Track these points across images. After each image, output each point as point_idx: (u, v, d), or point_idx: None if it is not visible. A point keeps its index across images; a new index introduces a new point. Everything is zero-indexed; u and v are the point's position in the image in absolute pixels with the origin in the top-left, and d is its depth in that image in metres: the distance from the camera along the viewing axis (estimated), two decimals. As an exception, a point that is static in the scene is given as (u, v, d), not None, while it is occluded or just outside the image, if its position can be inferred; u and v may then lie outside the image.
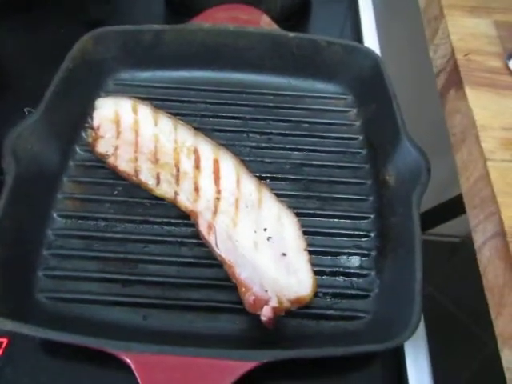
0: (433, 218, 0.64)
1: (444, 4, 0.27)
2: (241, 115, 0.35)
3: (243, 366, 0.21)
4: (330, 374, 0.25)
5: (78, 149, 0.33)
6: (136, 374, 0.20)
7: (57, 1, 0.43)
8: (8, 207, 0.26)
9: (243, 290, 0.25)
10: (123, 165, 0.30)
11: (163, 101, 0.35)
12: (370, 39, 0.41)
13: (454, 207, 0.60)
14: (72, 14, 0.43)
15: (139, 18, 0.43)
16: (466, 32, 0.27)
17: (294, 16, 0.43)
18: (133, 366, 0.21)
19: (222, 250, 0.27)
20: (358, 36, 0.42)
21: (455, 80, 0.25)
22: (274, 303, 0.24)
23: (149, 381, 0.20)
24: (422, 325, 0.26)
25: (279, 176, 0.32)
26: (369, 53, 0.35)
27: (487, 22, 0.27)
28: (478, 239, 0.21)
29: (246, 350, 0.22)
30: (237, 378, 0.21)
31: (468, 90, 0.24)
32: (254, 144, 0.34)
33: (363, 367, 0.25)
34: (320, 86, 0.37)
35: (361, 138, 0.34)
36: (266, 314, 0.24)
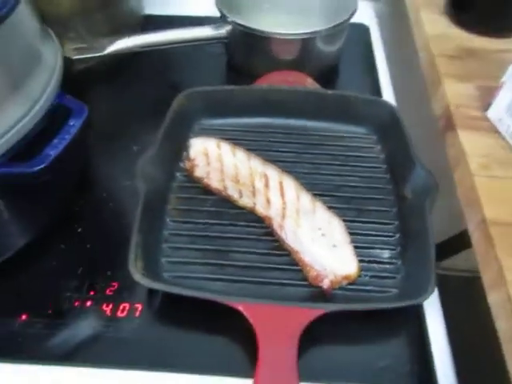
0: (444, 250, 0.72)
1: (441, 73, 0.39)
2: (294, 150, 0.46)
3: (317, 312, 0.31)
4: (370, 326, 0.34)
5: (177, 174, 0.44)
6: (249, 318, 0.30)
7: (139, 70, 0.57)
8: (143, 214, 0.37)
9: (308, 268, 0.36)
10: (215, 184, 0.42)
11: (234, 140, 0.47)
12: (387, 93, 0.54)
13: (461, 241, 0.69)
14: (155, 80, 0.56)
15: (207, 81, 0.55)
16: (457, 92, 0.39)
17: (327, 77, 0.56)
18: (243, 311, 0.31)
19: (291, 241, 0.38)
20: (376, 91, 0.55)
21: (450, 124, 0.36)
22: (331, 277, 0.35)
23: (255, 320, 0.31)
24: (436, 295, 0.36)
25: (326, 193, 0.42)
26: (387, 104, 0.47)
27: (472, 85, 0.39)
28: (471, 227, 0.32)
29: (319, 303, 0.32)
30: (311, 320, 0.31)
31: (459, 131, 0.36)
32: (305, 171, 0.44)
33: (394, 325, 0.35)
34: (351, 128, 0.47)
35: (384, 166, 0.45)
36: (325, 284, 0.35)
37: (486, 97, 0.38)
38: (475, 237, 0.31)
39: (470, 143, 0.35)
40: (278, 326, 0.30)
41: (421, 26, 0.45)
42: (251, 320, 0.31)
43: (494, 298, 0.28)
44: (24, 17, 0.32)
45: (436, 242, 0.34)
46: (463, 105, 0.38)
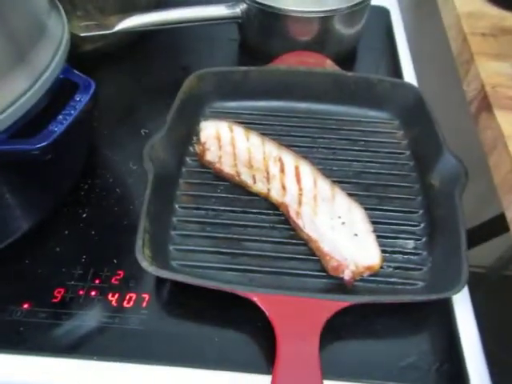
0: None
1: (473, 52, 0.36)
2: (310, 135, 0.44)
3: (341, 304, 0.28)
4: (393, 321, 0.32)
5: (187, 159, 0.42)
6: (262, 308, 0.28)
7: (149, 51, 0.55)
8: (151, 196, 0.35)
9: (327, 258, 0.33)
10: (227, 169, 0.40)
11: (247, 124, 0.45)
12: (409, 77, 0.51)
13: (481, 234, 0.66)
14: (166, 61, 0.55)
15: (220, 63, 0.53)
16: (491, 71, 0.36)
17: (346, 60, 0.53)
18: (259, 303, 0.29)
19: (309, 230, 0.35)
20: (397, 75, 0.52)
21: (485, 105, 0.33)
22: (352, 268, 0.32)
23: (272, 312, 0.28)
24: (466, 288, 0.33)
25: (344, 180, 0.40)
26: (413, 88, 0.44)
27: (507, 64, 0.36)
28: (509, 215, 0.29)
29: (341, 295, 0.30)
30: (334, 313, 0.28)
31: (496, 112, 0.33)
32: (322, 156, 0.42)
33: (420, 319, 0.32)
34: (372, 113, 0.45)
35: (407, 152, 0.43)
36: (347, 275, 0.32)
37: (524, 76, 0.35)
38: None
39: (509, 124, 0.32)
40: (298, 319, 0.28)
41: (451, 4, 0.42)
42: (268, 313, 0.28)
43: None
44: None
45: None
46: (500, 85, 0.35)
